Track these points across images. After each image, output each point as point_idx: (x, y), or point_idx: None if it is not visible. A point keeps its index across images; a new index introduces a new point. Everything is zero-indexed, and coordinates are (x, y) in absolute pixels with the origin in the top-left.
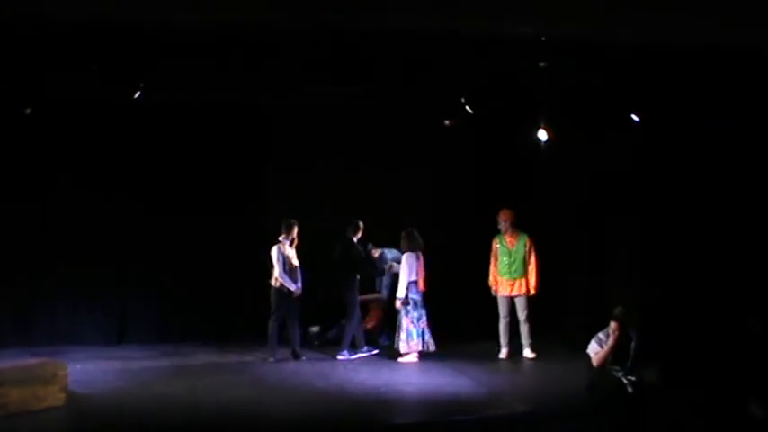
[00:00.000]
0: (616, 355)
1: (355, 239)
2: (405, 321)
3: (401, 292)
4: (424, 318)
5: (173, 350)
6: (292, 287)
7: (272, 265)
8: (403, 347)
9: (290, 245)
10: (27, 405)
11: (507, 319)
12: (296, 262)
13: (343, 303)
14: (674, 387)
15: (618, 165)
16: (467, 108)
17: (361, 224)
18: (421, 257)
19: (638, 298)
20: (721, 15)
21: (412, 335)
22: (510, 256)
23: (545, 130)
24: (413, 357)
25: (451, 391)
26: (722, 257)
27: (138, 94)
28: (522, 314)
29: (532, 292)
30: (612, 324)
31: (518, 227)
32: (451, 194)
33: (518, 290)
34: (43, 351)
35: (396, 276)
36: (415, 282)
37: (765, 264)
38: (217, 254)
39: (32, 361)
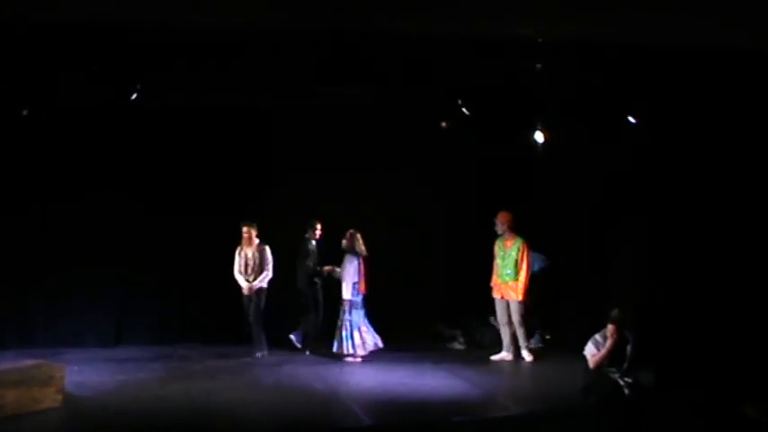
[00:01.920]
0: (612, 356)
1: (310, 236)
2: (343, 324)
3: (347, 294)
4: (364, 320)
5: (170, 351)
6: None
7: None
8: (335, 347)
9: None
10: (24, 407)
11: (503, 322)
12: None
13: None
14: (670, 388)
15: (618, 165)
16: (463, 110)
17: (315, 223)
18: (361, 261)
19: (637, 298)
20: (721, 15)
21: (348, 337)
22: (504, 260)
23: (542, 132)
24: (355, 359)
25: (447, 393)
26: (722, 257)
27: (134, 95)
28: (514, 317)
29: (519, 297)
30: (610, 327)
31: (516, 229)
32: (452, 195)
33: (507, 294)
34: (40, 353)
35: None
36: (357, 284)
37: (765, 264)
38: (215, 255)
39: (29, 363)
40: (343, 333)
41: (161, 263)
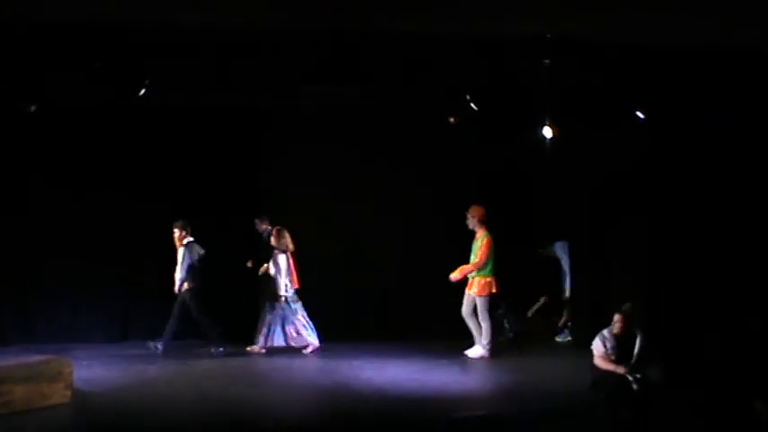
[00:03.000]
0: (620, 353)
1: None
2: (275, 318)
3: (282, 290)
4: (300, 313)
5: (177, 348)
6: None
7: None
8: (261, 342)
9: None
10: (32, 402)
11: (466, 314)
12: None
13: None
14: (678, 386)
15: (619, 164)
16: (471, 105)
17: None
18: (290, 256)
19: (643, 296)
20: (721, 16)
21: (275, 330)
22: (472, 253)
23: (550, 127)
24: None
25: (457, 389)
26: (723, 257)
27: (143, 91)
28: (465, 310)
29: (473, 291)
30: (616, 316)
31: (486, 224)
32: (452, 194)
33: (470, 287)
34: (48, 348)
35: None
36: (289, 279)
37: (766, 263)
38: (219, 253)
39: (38, 358)
40: (272, 327)
41: (166, 259)
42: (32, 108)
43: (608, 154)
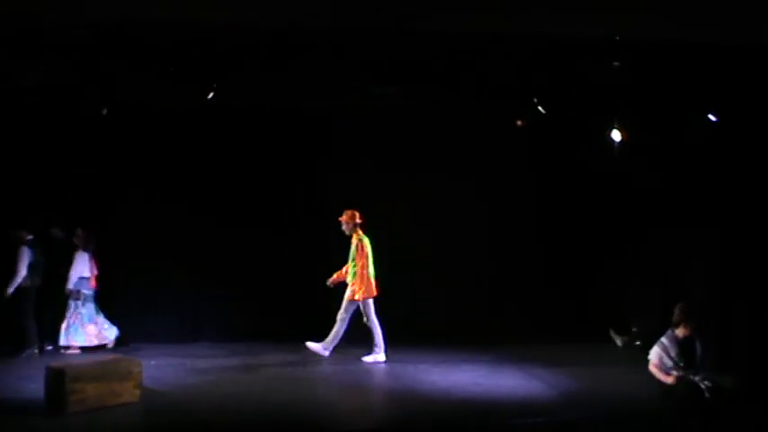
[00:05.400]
0: (685, 358)
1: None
2: (73, 316)
3: (71, 284)
4: (94, 313)
5: (244, 349)
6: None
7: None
8: (63, 340)
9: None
10: (103, 401)
11: (339, 317)
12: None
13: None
14: (750, 396)
15: (686, 167)
16: (539, 108)
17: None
18: (92, 257)
19: (714, 305)
20: None
21: (77, 329)
22: (350, 258)
23: (619, 130)
24: (74, 351)
25: (522, 394)
26: None
27: (211, 95)
28: (341, 315)
29: (357, 297)
30: (681, 326)
31: (361, 227)
32: (511, 197)
33: (352, 294)
34: (118, 348)
35: None
36: (88, 278)
37: None
38: (287, 255)
39: (108, 358)
40: (73, 325)
41: (235, 262)
42: (104, 111)
43: (674, 157)
